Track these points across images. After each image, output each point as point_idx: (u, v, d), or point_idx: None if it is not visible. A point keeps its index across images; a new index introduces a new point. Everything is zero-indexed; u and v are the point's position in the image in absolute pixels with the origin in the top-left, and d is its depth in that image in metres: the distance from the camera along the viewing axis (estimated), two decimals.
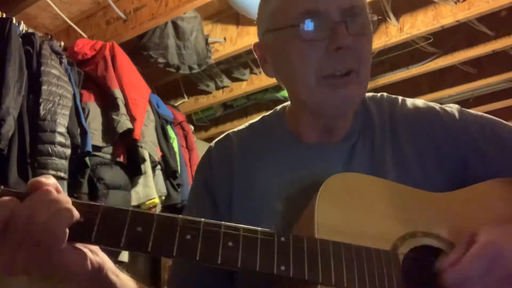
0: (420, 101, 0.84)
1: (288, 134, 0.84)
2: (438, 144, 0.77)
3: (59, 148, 1.78)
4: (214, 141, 0.90)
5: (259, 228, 0.59)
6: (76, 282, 0.57)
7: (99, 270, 0.59)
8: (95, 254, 0.59)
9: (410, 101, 0.84)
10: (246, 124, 0.90)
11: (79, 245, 0.56)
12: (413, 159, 0.77)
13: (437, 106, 0.83)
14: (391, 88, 3.34)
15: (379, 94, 0.87)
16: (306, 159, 0.79)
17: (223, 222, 0.58)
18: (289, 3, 0.76)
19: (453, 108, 0.82)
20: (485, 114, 0.82)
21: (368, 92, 0.83)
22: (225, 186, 0.82)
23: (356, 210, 0.66)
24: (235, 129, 0.90)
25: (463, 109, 0.82)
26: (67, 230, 0.52)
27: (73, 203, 0.54)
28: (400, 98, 0.85)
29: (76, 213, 0.53)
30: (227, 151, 0.86)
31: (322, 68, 0.73)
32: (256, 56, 0.86)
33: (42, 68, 1.87)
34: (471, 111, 0.83)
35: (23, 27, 1.99)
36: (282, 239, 0.59)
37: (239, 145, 0.86)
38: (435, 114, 0.81)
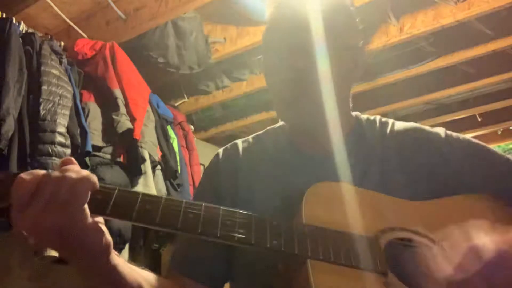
0: (410, 123, 0.92)
1: (289, 144, 0.91)
2: (423, 156, 0.84)
3: (59, 148, 1.78)
4: (221, 148, 0.97)
5: (253, 214, 0.67)
6: (89, 256, 0.63)
7: (108, 249, 0.65)
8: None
9: (400, 122, 0.93)
10: (253, 135, 0.98)
11: (99, 222, 0.63)
12: (398, 173, 0.83)
13: (424, 126, 0.91)
14: (391, 88, 3.34)
15: (372, 116, 0.95)
16: (303, 167, 0.86)
17: (221, 207, 0.66)
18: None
19: (439, 130, 0.90)
20: (468, 138, 0.89)
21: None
22: (230, 188, 0.88)
23: (338, 211, 0.73)
24: (242, 138, 0.97)
25: (448, 131, 0.90)
26: (89, 193, 0.60)
27: None
28: (391, 120, 0.93)
29: (97, 181, 0.61)
30: (233, 157, 0.93)
31: (279, 91, 0.86)
32: None
33: (42, 68, 1.87)
34: (456, 134, 0.90)
35: (23, 27, 2.00)
36: (274, 223, 0.66)
37: (245, 152, 0.93)
38: (422, 131, 0.89)
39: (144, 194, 0.64)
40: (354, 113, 0.94)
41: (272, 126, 0.98)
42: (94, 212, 0.61)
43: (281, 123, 0.97)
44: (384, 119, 0.93)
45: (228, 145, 0.97)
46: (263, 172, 0.87)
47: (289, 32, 0.82)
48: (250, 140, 0.96)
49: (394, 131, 0.90)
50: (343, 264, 0.65)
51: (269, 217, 0.67)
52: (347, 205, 0.73)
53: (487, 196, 0.81)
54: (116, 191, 0.63)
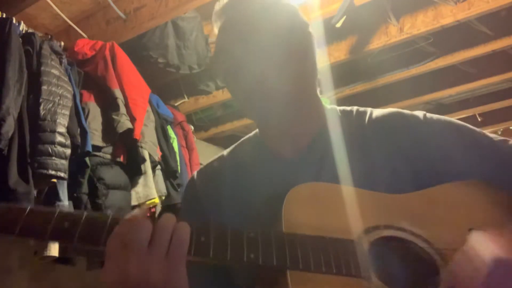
0: (388, 109, 0.88)
1: (266, 151, 0.88)
2: (403, 144, 0.81)
3: (59, 148, 1.78)
4: (195, 171, 0.95)
5: (229, 227, 0.64)
6: None
7: None
8: None
9: (378, 110, 0.89)
10: (227, 150, 0.95)
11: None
12: (381, 162, 0.79)
13: (403, 111, 0.87)
14: (391, 88, 3.34)
15: (349, 108, 0.91)
16: (283, 171, 0.83)
17: (195, 222, 0.63)
18: None
19: (418, 112, 0.86)
20: (449, 118, 0.86)
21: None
22: (213, 209, 0.85)
23: (320, 212, 0.70)
24: (216, 156, 0.95)
25: (428, 113, 0.86)
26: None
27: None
28: (369, 109, 0.90)
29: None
30: (210, 177, 0.90)
31: (241, 97, 0.85)
32: None
33: (42, 68, 1.87)
34: (436, 115, 0.86)
35: (23, 27, 2.00)
36: (251, 234, 0.63)
37: (222, 170, 0.90)
38: (400, 117, 0.85)
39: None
40: (330, 106, 0.91)
41: (247, 136, 0.96)
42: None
43: (255, 131, 0.96)
44: (362, 109, 0.90)
45: (202, 167, 0.95)
46: (245, 184, 0.85)
47: (250, 39, 0.80)
48: (225, 155, 0.94)
49: (372, 118, 0.86)
50: (324, 272, 0.63)
51: (245, 229, 0.64)
52: (329, 206, 0.71)
53: (478, 182, 0.77)
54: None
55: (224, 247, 0.61)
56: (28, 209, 0.59)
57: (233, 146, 0.95)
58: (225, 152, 0.95)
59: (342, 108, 0.91)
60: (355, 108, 0.91)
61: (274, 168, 0.84)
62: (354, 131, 0.85)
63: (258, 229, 0.64)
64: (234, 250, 0.61)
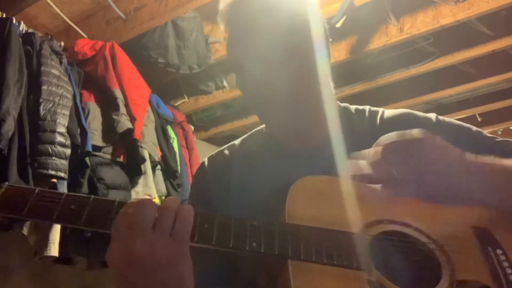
0: (400, 110, 0.89)
1: (276, 144, 0.89)
2: None
3: (59, 148, 1.78)
4: (206, 158, 0.95)
5: (232, 216, 0.65)
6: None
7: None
8: None
9: (390, 111, 0.89)
10: (238, 139, 0.96)
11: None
12: None
13: (415, 112, 0.88)
14: (391, 88, 3.34)
15: (362, 107, 0.92)
16: (292, 165, 0.83)
17: (198, 210, 0.64)
18: None
19: (430, 114, 0.87)
20: (458, 121, 0.87)
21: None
22: (221, 197, 0.86)
23: (324, 205, 0.71)
24: (227, 145, 0.95)
25: (440, 116, 0.87)
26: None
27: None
28: (381, 109, 0.91)
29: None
30: (221, 165, 0.91)
31: (253, 97, 0.86)
32: None
33: (42, 68, 1.87)
34: (448, 118, 0.87)
35: (23, 27, 2.00)
36: (254, 223, 0.64)
37: (232, 159, 0.91)
38: (412, 117, 0.87)
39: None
40: (342, 104, 0.91)
41: (257, 129, 0.96)
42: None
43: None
44: (374, 109, 0.91)
45: (213, 153, 0.95)
46: (253, 175, 0.85)
47: (249, 41, 0.80)
48: (236, 145, 0.94)
49: (384, 119, 0.87)
50: (325, 263, 0.63)
51: (249, 218, 0.65)
52: (333, 199, 0.71)
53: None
54: None
55: (227, 235, 0.62)
56: (37, 190, 0.61)
57: (244, 136, 0.96)
58: (237, 141, 0.95)
59: (355, 107, 0.92)
60: (367, 107, 0.91)
61: (283, 161, 0.85)
62: (366, 131, 0.85)
63: (261, 218, 0.65)
64: (237, 238, 0.62)
